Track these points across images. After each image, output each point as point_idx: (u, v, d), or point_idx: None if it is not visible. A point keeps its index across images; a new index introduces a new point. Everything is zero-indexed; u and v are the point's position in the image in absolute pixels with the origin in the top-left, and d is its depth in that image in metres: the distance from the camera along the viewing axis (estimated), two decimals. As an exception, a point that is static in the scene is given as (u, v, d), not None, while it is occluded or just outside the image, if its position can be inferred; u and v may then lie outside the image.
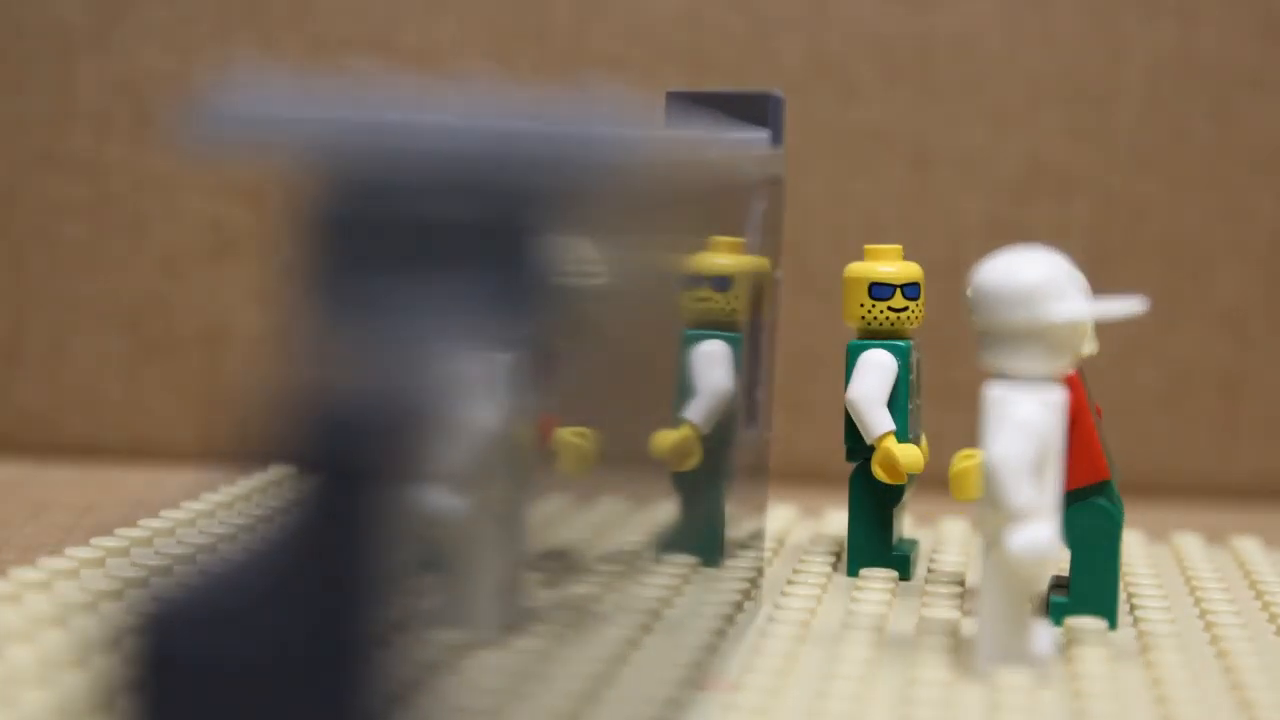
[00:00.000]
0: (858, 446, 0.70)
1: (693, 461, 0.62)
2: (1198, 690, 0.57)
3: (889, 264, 0.70)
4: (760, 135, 0.63)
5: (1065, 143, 0.97)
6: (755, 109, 0.64)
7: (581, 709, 0.48)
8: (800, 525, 0.81)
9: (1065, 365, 0.57)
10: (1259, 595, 0.71)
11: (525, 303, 0.38)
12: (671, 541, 0.61)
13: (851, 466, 0.71)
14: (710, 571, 0.63)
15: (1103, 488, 0.64)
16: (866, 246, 0.71)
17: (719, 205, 0.56)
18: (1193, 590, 0.70)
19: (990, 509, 0.57)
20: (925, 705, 0.55)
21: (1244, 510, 0.92)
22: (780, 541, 0.77)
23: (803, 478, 0.91)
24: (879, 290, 0.69)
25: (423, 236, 0.37)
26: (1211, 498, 0.95)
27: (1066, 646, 0.61)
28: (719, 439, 0.64)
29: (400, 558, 0.36)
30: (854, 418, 0.69)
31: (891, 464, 0.69)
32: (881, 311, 0.69)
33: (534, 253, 0.38)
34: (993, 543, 0.57)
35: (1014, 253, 0.58)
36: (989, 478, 0.56)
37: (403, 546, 0.36)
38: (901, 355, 0.70)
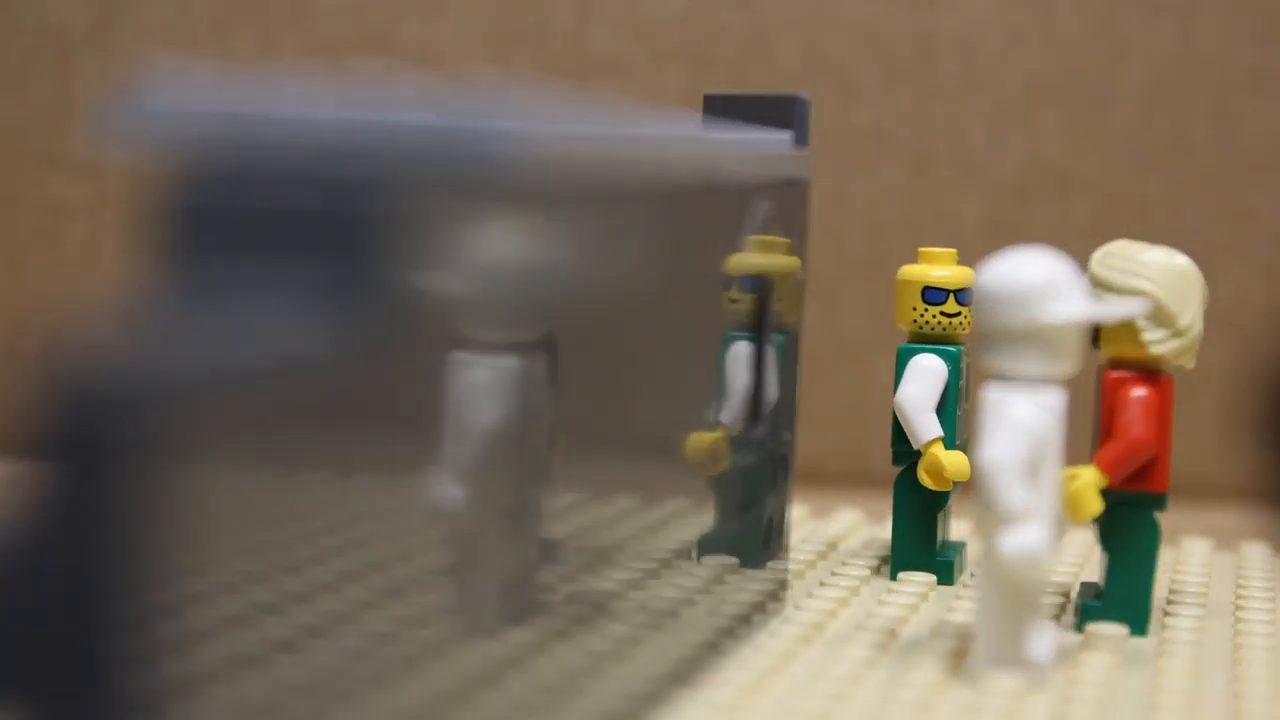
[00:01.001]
0: (904, 450, 0.70)
1: (724, 464, 0.62)
2: (1189, 700, 0.57)
3: (943, 268, 0.69)
4: (777, 137, 0.63)
5: (1065, 143, 0.97)
6: (781, 111, 0.64)
7: (552, 701, 0.49)
8: (860, 528, 0.81)
9: (1065, 367, 0.57)
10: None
11: (361, 294, 0.38)
12: (712, 542, 0.61)
13: (898, 470, 0.71)
14: (749, 573, 0.63)
15: (1161, 500, 0.63)
16: (921, 249, 0.70)
17: (691, 205, 0.55)
18: (1239, 601, 0.69)
19: (985, 511, 0.57)
20: (902, 706, 0.54)
21: (1245, 511, 0.92)
22: (833, 545, 0.76)
23: (802, 478, 0.91)
24: (932, 294, 0.69)
25: (266, 226, 0.38)
26: (1212, 498, 0.95)
27: (1079, 651, 0.61)
28: (765, 440, 0.64)
29: (148, 535, 0.34)
30: (902, 422, 0.69)
31: (938, 471, 0.69)
32: (934, 316, 0.69)
33: (374, 245, 0.38)
34: (988, 545, 0.57)
35: (1015, 253, 0.57)
36: (982, 479, 0.56)
37: (149, 522, 0.34)
38: (952, 361, 0.69)
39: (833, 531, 0.79)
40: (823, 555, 0.74)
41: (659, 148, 0.52)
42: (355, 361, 0.39)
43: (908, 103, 0.97)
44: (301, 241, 0.38)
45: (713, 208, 0.58)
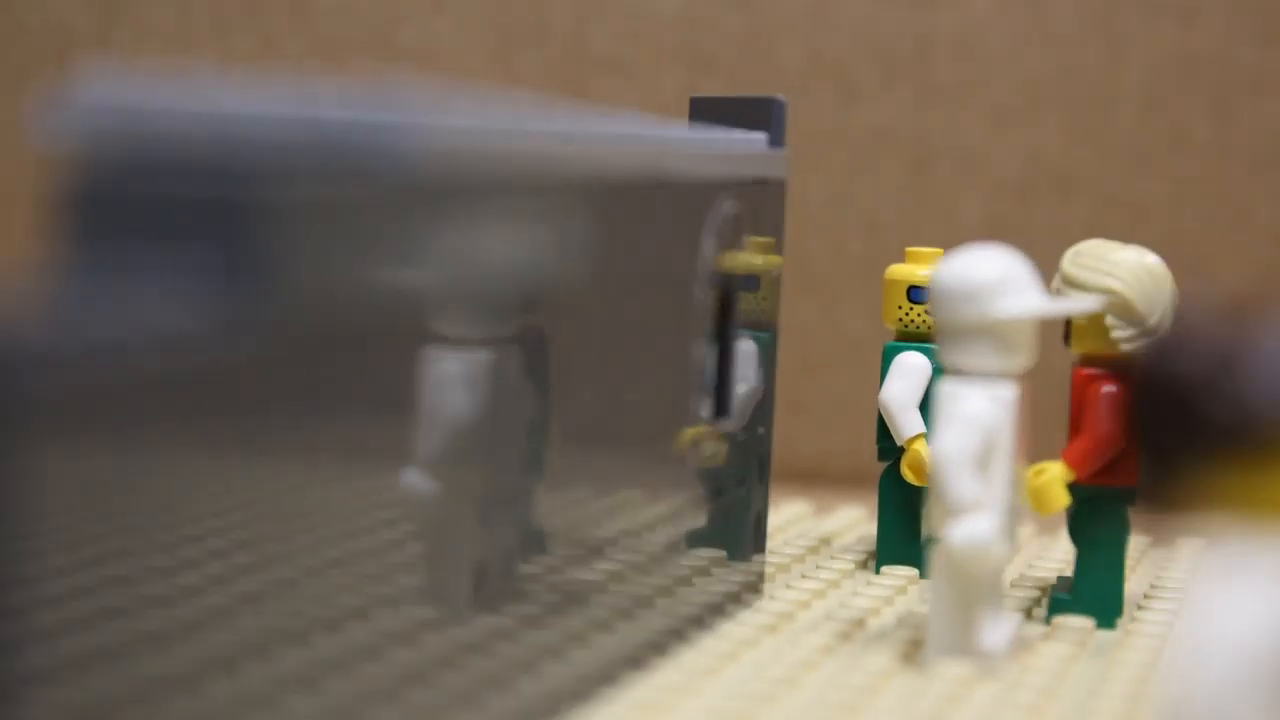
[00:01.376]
0: (889, 446, 0.71)
1: (715, 458, 0.63)
2: (1136, 689, 0.57)
3: (928, 268, 0.70)
4: (746, 138, 0.64)
5: (1065, 143, 0.97)
6: (760, 113, 0.66)
7: (498, 685, 0.50)
8: (860, 525, 0.81)
9: (1019, 363, 0.58)
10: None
11: (232, 280, 0.39)
12: (700, 535, 0.63)
13: (883, 466, 0.72)
14: (732, 564, 0.65)
15: (1130, 494, 0.64)
16: (908, 249, 0.71)
17: (633, 202, 0.56)
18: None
19: (936, 503, 0.57)
20: (847, 690, 0.55)
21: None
22: (826, 540, 0.77)
23: (804, 479, 0.91)
24: (917, 294, 0.70)
25: (151, 213, 0.39)
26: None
27: (1040, 642, 0.61)
28: (747, 435, 0.65)
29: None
30: (885, 419, 0.70)
31: (920, 466, 0.69)
32: (919, 315, 0.70)
33: (251, 232, 0.39)
34: (939, 536, 0.58)
35: (970, 251, 0.58)
36: (933, 471, 0.57)
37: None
38: (936, 358, 0.70)
39: (829, 527, 0.80)
40: (814, 550, 0.75)
41: (576, 143, 0.52)
42: (213, 345, 0.39)
43: (908, 103, 0.97)
44: (179, 228, 0.39)
45: (662, 204, 0.58)
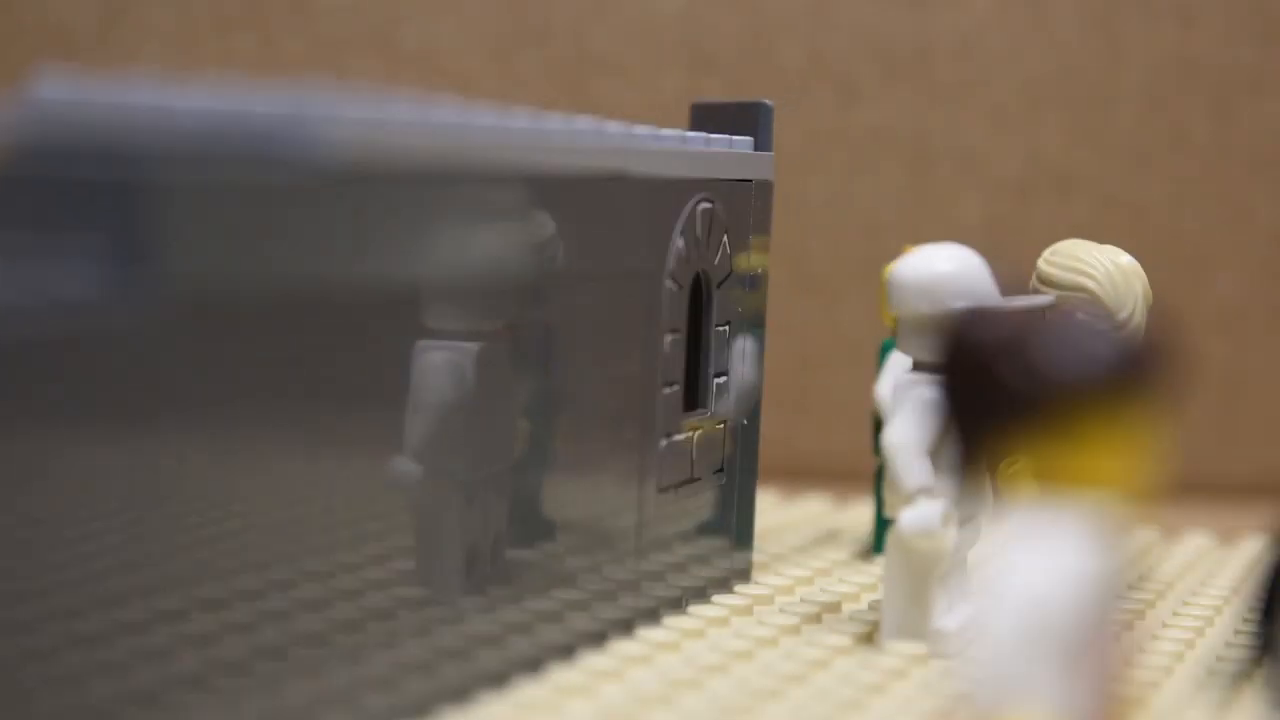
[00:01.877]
0: None
1: (709, 448, 0.64)
2: None
3: None
4: (725, 140, 0.66)
5: (1065, 143, 0.97)
6: (748, 117, 0.67)
7: (466, 651, 0.52)
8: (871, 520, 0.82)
9: None
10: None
11: (130, 261, 0.41)
12: (703, 525, 0.64)
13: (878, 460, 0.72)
14: (724, 552, 0.66)
15: None
16: (905, 247, 0.71)
17: (577, 199, 0.57)
18: (1201, 589, 0.69)
19: (891, 489, 0.59)
20: (797, 662, 0.56)
21: (1242, 510, 0.92)
22: (836, 533, 0.78)
23: (803, 477, 0.91)
24: None
25: (63, 196, 0.41)
26: (1210, 497, 0.95)
27: None
28: (749, 428, 0.67)
29: None
30: (880, 414, 0.71)
31: None
32: None
33: (149, 215, 0.42)
34: (894, 521, 0.59)
35: (930, 248, 0.60)
36: (886, 458, 0.59)
37: None
38: None
39: (844, 522, 0.80)
40: (819, 541, 0.76)
41: (501, 139, 0.53)
42: (106, 318, 0.41)
43: (908, 103, 0.97)
44: (83, 209, 0.41)
45: (622, 203, 0.59)
